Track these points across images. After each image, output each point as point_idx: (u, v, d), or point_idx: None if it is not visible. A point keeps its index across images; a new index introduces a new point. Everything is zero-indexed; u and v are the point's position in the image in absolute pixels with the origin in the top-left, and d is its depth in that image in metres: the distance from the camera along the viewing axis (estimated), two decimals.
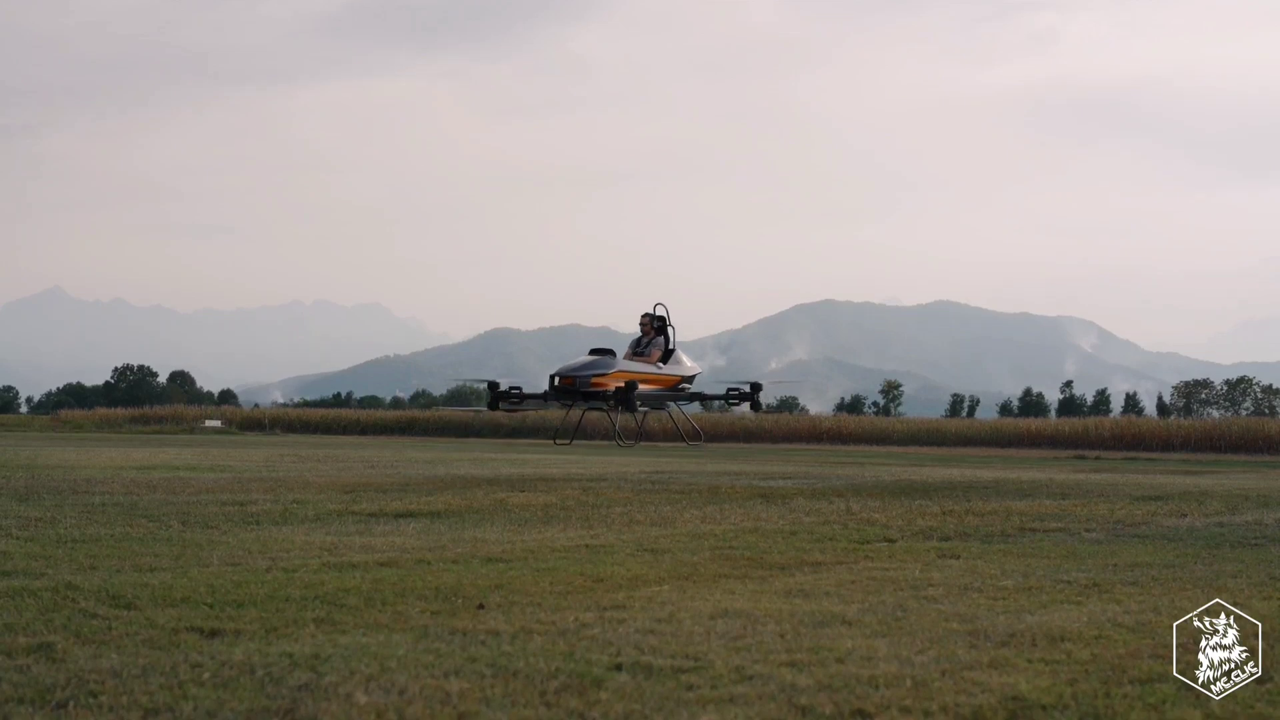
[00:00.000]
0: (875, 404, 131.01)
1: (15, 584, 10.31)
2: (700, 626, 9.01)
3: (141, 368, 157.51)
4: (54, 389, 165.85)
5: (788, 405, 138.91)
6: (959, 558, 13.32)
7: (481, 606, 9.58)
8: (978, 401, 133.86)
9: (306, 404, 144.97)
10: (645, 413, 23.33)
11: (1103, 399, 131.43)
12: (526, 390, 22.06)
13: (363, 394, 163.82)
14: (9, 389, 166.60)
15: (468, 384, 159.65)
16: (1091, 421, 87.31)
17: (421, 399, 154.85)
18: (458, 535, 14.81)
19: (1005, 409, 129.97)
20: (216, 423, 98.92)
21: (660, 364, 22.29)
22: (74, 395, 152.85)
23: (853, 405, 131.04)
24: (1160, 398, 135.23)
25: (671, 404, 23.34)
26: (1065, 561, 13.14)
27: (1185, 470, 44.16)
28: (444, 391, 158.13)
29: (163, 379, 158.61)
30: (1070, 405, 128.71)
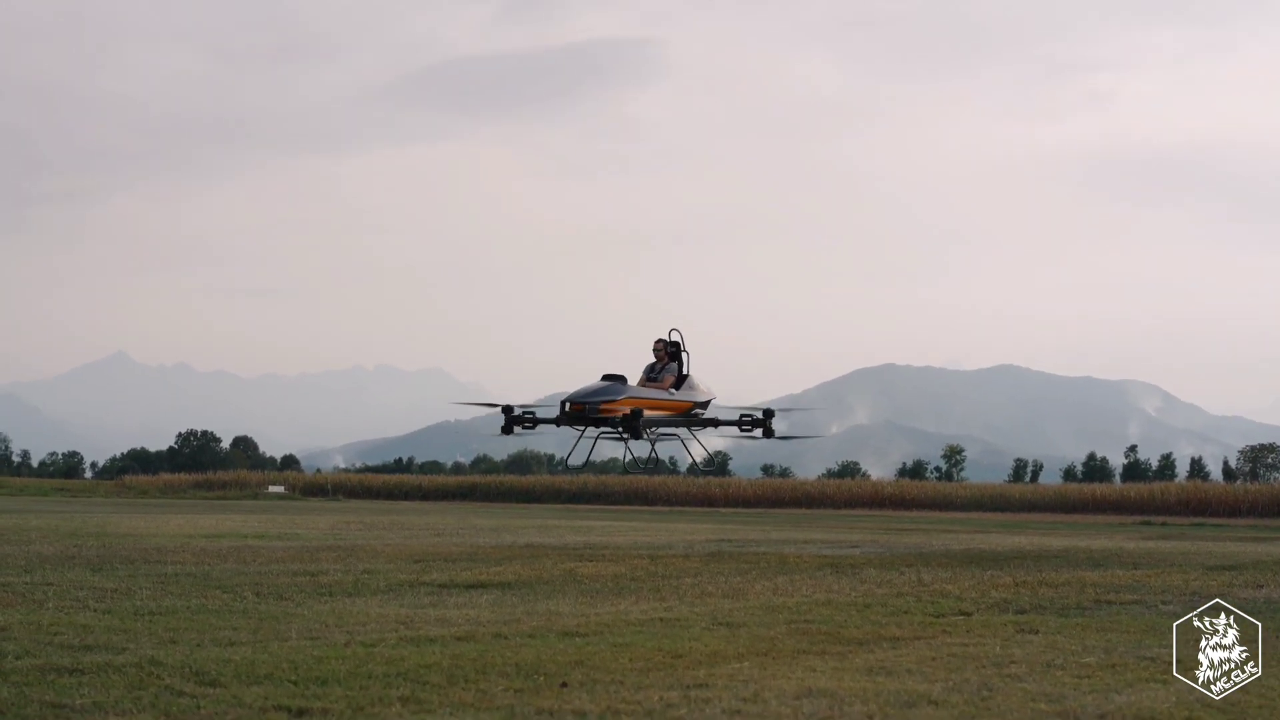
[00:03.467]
0: (937, 469, 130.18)
1: (99, 659, 10.37)
2: (786, 707, 8.96)
3: (205, 433, 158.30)
4: (119, 454, 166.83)
5: (849, 470, 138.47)
6: (1038, 632, 13.20)
7: (564, 685, 9.56)
8: (1041, 466, 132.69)
9: (368, 469, 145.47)
10: (654, 439, 23.20)
11: (1167, 463, 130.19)
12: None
13: (424, 459, 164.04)
14: (74, 454, 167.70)
15: (529, 450, 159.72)
16: (1157, 487, 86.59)
17: (483, 464, 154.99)
18: (531, 608, 14.81)
19: (1069, 474, 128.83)
20: (280, 488, 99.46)
21: (673, 390, 22.35)
22: (138, 460, 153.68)
23: (915, 470, 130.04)
24: (1226, 462, 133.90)
25: (684, 430, 23.38)
26: (1145, 636, 13.01)
27: (1255, 536, 43.74)
28: (505, 457, 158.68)
29: (226, 444, 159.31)
30: (1135, 470, 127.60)
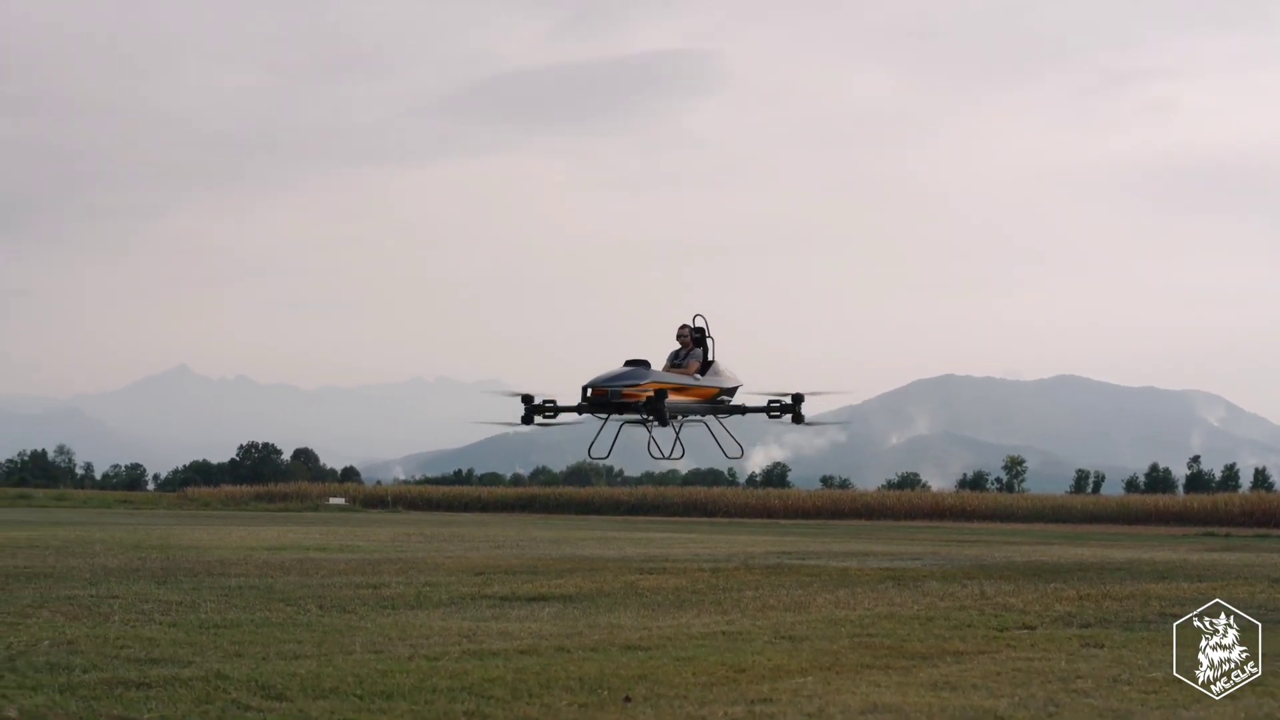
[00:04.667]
0: (998, 480, 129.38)
1: (165, 673, 10.45)
2: None
3: (266, 445, 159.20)
4: (180, 466, 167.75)
5: (909, 482, 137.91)
6: (1103, 646, 13.11)
7: (628, 700, 9.57)
8: (1103, 477, 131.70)
9: (428, 481, 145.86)
10: (680, 426, 22.53)
11: (1231, 474, 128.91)
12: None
13: (483, 470, 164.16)
14: (137, 466, 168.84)
15: (588, 461, 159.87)
16: (1221, 498, 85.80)
17: (542, 475, 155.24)
18: (593, 621, 14.82)
19: (1131, 484, 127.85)
20: (340, 500, 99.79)
21: (698, 375, 21.75)
22: (200, 472, 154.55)
23: (975, 481, 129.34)
24: None
25: (710, 417, 22.68)
26: None
27: None
28: (564, 468, 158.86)
29: (286, 456, 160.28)
30: (1198, 481, 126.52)
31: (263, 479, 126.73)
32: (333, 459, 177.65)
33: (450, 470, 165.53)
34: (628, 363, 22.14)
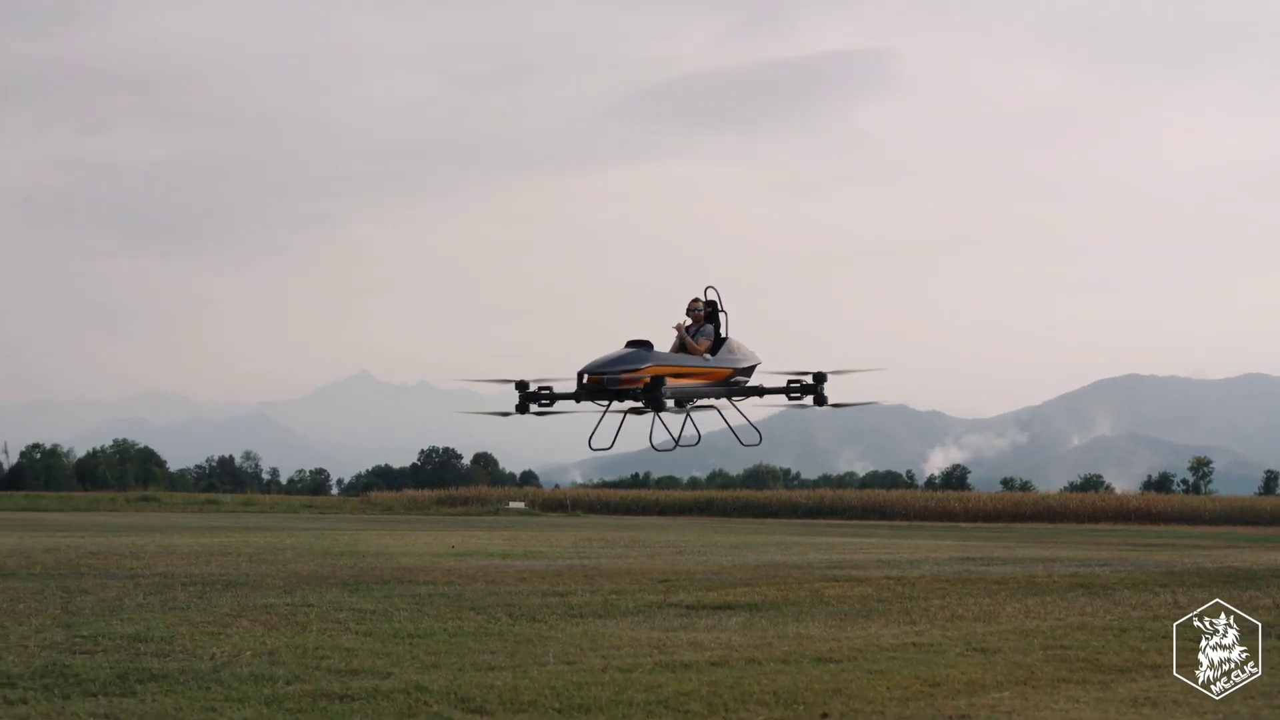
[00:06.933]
0: (1184, 481, 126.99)
1: (366, 684, 10.63)
2: None
3: (446, 450, 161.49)
4: (363, 471, 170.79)
5: (1091, 484, 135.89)
6: None
7: (825, 716, 9.54)
8: None
9: (605, 484, 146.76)
10: (687, 412, 20.48)
11: None
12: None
13: (660, 474, 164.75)
14: (321, 471, 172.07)
15: (764, 465, 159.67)
16: None
17: (719, 478, 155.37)
18: (781, 631, 14.79)
19: None
20: (520, 504, 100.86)
21: (708, 355, 19.55)
22: (382, 477, 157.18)
23: (1160, 483, 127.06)
24: None
25: (724, 400, 20.32)
26: None
27: None
28: (740, 472, 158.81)
29: (466, 460, 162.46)
30: None
31: (443, 483, 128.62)
32: (511, 463, 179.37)
33: (627, 474, 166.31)
34: (629, 344, 20.30)
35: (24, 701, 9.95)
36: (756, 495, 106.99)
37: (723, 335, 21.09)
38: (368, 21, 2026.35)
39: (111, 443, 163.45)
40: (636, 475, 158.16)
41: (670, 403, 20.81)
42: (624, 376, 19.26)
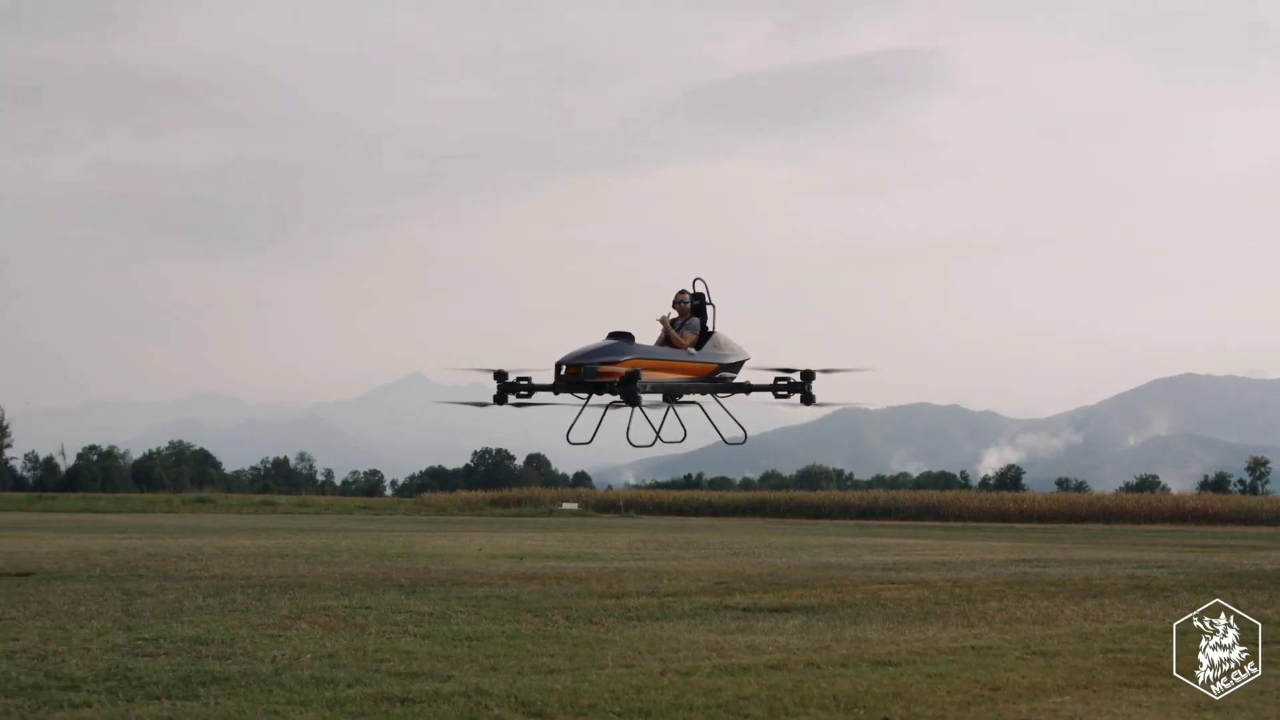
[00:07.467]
0: (1241, 482, 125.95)
1: (427, 688, 10.67)
2: None
3: (499, 451, 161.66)
4: (417, 472, 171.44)
5: (1147, 484, 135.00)
6: None
7: None
8: None
9: (658, 485, 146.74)
10: (670, 407, 19.74)
11: None
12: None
13: (713, 475, 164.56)
14: (375, 473, 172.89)
15: (816, 465, 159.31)
16: None
17: (772, 479, 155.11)
18: (839, 634, 14.76)
19: None
20: (573, 505, 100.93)
21: (693, 349, 18.71)
22: (436, 478, 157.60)
23: (1217, 483, 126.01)
24: None
25: (708, 397, 19.48)
26: None
27: None
28: (793, 472, 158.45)
29: (519, 461, 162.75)
30: None
31: (497, 484, 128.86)
32: (564, 464, 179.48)
33: (680, 474, 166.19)
34: (610, 335, 19.90)
35: (88, 705, 10.04)
36: (810, 496, 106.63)
37: (709, 329, 20.50)
38: (418, 25, 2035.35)
39: (167, 444, 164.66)
40: (689, 476, 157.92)
41: (659, 398, 20.53)
42: (602, 369, 18.82)
